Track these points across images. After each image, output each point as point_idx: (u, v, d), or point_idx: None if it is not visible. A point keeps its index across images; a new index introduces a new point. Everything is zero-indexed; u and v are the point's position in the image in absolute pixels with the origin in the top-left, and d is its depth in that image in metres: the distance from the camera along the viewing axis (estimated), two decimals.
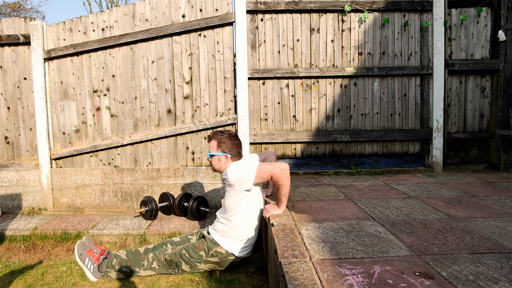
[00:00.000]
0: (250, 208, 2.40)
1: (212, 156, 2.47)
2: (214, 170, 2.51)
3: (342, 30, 3.83)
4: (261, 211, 2.49)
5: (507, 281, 1.37)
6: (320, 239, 1.85)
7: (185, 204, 3.40)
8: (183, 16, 3.73)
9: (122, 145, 3.81)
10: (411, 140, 3.92)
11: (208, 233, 2.55)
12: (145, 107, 3.81)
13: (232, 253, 2.42)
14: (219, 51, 3.74)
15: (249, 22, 3.77)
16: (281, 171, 2.23)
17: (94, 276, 2.44)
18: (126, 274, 2.47)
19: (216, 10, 3.71)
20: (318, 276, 1.43)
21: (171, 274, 2.49)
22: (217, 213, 2.57)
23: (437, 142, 3.84)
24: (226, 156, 2.43)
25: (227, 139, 2.45)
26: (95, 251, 2.54)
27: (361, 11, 3.76)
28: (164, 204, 3.47)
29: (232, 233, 2.41)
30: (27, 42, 3.72)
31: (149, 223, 3.32)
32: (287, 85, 3.83)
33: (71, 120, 3.84)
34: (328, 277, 1.42)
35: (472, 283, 1.36)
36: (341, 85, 3.85)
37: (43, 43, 3.72)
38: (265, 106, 3.85)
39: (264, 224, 2.54)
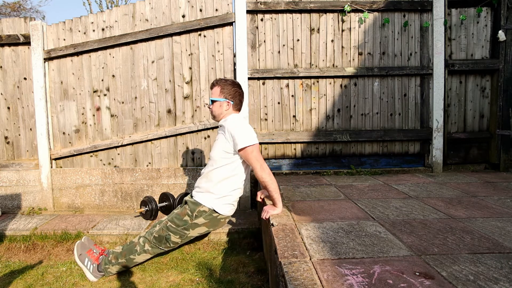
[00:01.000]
0: (234, 164, 2.41)
1: (213, 102, 2.45)
2: (214, 117, 2.51)
3: (342, 30, 3.83)
4: (247, 171, 2.52)
5: (507, 281, 1.37)
6: (320, 239, 1.85)
7: None
8: (183, 16, 3.73)
9: (122, 145, 3.81)
10: (411, 140, 3.92)
11: (191, 196, 2.55)
12: (145, 107, 3.81)
13: (214, 210, 2.42)
14: (219, 51, 3.74)
15: (249, 22, 3.77)
16: (261, 170, 2.25)
17: (94, 276, 2.44)
18: (124, 265, 2.45)
19: (216, 10, 3.71)
20: (318, 276, 1.43)
21: (165, 251, 2.46)
22: (201, 171, 2.56)
23: (437, 142, 3.84)
24: (228, 102, 2.43)
25: (230, 86, 2.45)
26: (94, 251, 2.54)
27: (361, 11, 3.76)
28: (164, 204, 3.47)
29: (215, 189, 2.41)
30: (27, 42, 3.72)
31: (149, 223, 3.32)
32: (287, 85, 3.83)
33: (71, 120, 3.84)
34: (328, 277, 1.42)
35: (472, 283, 1.36)
36: (341, 85, 3.85)
37: (43, 43, 3.72)
38: (265, 106, 3.85)
39: (264, 224, 2.54)
